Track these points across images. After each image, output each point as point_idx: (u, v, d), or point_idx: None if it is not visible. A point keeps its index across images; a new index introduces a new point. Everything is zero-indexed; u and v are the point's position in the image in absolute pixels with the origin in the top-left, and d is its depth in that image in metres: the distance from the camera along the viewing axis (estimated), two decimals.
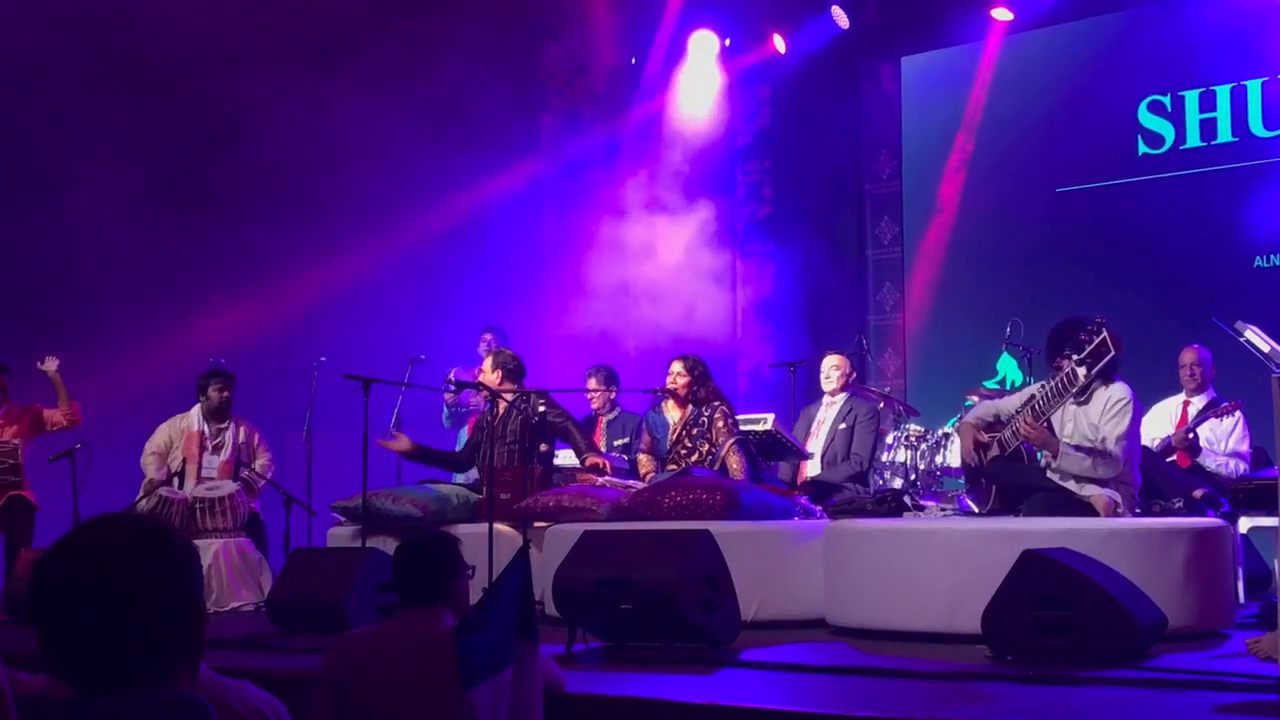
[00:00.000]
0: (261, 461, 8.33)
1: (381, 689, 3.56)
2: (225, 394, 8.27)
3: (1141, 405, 6.61)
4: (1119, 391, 6.31)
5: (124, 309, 9.89)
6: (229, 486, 8.07)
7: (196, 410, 8.32)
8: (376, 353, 9.32)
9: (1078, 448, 6.28)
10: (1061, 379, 6.31)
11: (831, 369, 8.51)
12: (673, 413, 7.84)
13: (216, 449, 8.22)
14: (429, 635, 3.62)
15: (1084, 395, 6.33)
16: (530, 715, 3.21)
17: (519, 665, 3.18)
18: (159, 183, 9.96)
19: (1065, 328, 6.54)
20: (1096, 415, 6.31)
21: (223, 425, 8.29)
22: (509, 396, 7.67)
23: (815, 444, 8.40)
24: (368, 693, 3.56)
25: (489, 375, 7.87)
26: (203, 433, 8.24)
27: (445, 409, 9.75)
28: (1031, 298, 9.94)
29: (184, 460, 8.21)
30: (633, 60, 11.51)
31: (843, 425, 8.33)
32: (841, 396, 8.48)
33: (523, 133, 11.68)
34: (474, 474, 8.22)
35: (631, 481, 7.53)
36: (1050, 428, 6.38)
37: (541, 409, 7.67)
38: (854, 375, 8.61)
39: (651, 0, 11.13)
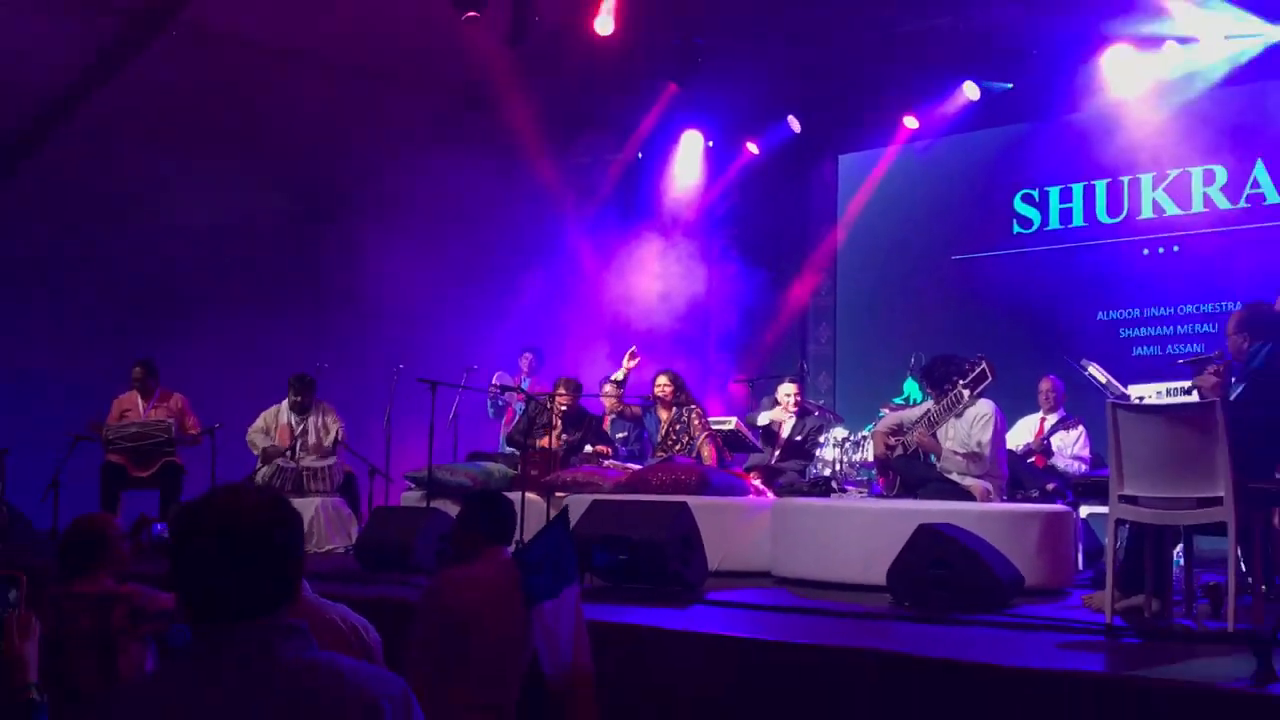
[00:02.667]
0: (332, 435, 8.15)
1: (482, 616, 3.41)
2: (299, 398, 8.12)
3: (1006, 418, 6.63)
4: (983, 408, 6.34)
5: (254, 318, 9.80)
6: (330, 459, 8.07)
7: (286, 405, 8.21)
8: (439, 360, 9.32)
9: (955, 452, 6.32)
10: (951, 398, 6.36)
11: (786, 396, 8.40)
12: (662, 413, 7.89)
13: (303, 436, 8.13)
14: (513, 568, 3.48)
15: (960, 411, 6.38)
16: (580, 638, 3.21)
17: (569, 600, 3.20)
18: (286, 214, 9.88)
19: (937, 364, 6.55)
20: (967, 426, 6.34)
21: (304, 417, 8.18)
22: (545, 401, 7.77)
23: (777, 444, 8.39)
24: (477, 618, 3.40)
25: (564, 394, 7.86)
26: (290, 426, 8.15)
27: (489, 403, 9.76)
28: (931, 336, 9.96)
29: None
30: (639, 155, 11.51)
31: (799, 437, 8.35)
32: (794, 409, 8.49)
33: (556, 207, 11.64)
34: (512, 455, 8.25)
35: (630, 464, 7.59)
36: (935, 436, 6.43)
37: (564, 408, 7.71)
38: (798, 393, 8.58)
39: (652, 107, 11.15)
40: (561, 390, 7.90)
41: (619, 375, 7.88)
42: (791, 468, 8.16)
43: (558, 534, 3.28)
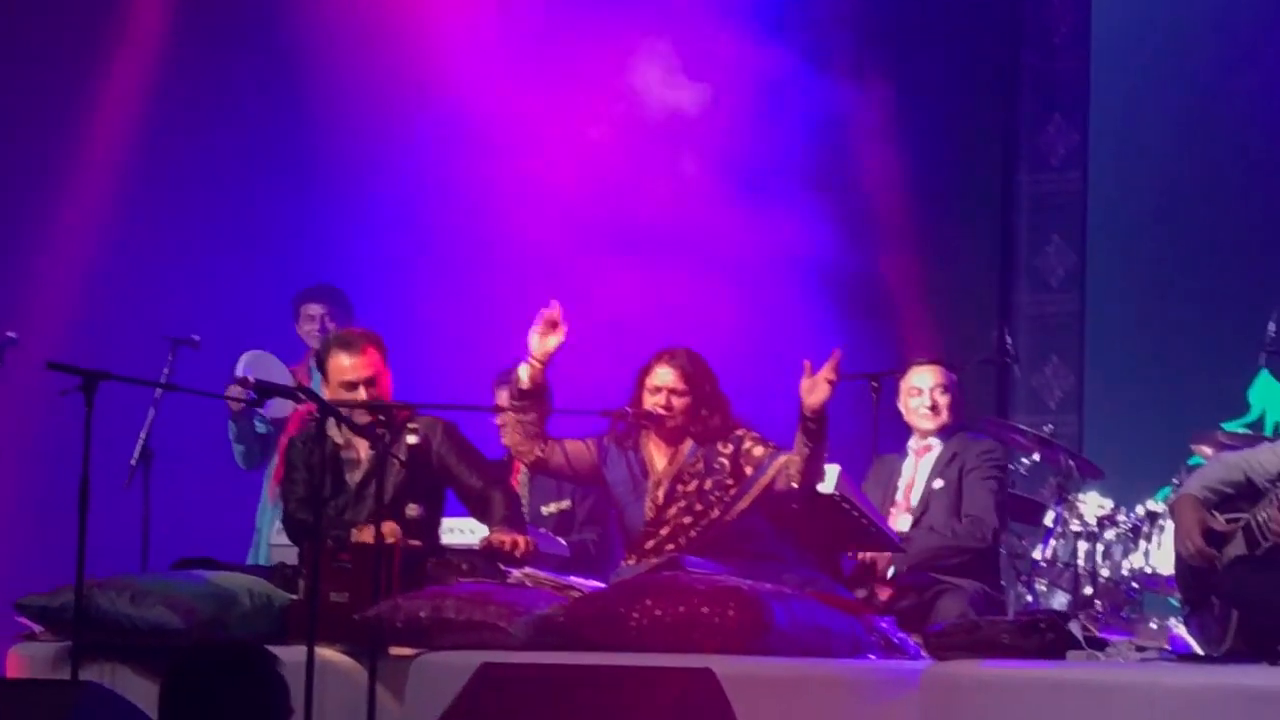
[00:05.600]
0: None
1: None
2: None
3: None
4: None
5: None
6: None
7: None
8: (112, 331, 9.46)
9: None
10: None
11: (928, 391, 8.59)
12: (656, 453, 7.98)
13: None
14: None
15: None
16: None
17: None
18: None
19: None
20: None
21: None
22: (364, 415, 7.74)
23: (899, 522, 8.54)
24: None
25: (352, 370, 7.93)
26: None
27: (233, 424, 9.78)
28: None
29: None
30: None
31: (939, 483, 8.46)
32: (938, 440, 8.60)
33: None
34: (283, 549, 8.29)
35: (573, 579, 7.60)
36: None
37: (412, 439, 7.72)
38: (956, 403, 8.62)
39: None
40: (349, 367, 7.92)
41: (530, 367, 7.89)
42: (957, 584, 8.22)
43: None
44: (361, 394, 7.88)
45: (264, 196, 11.39)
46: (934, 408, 8.57)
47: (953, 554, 8.30)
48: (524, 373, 7.92)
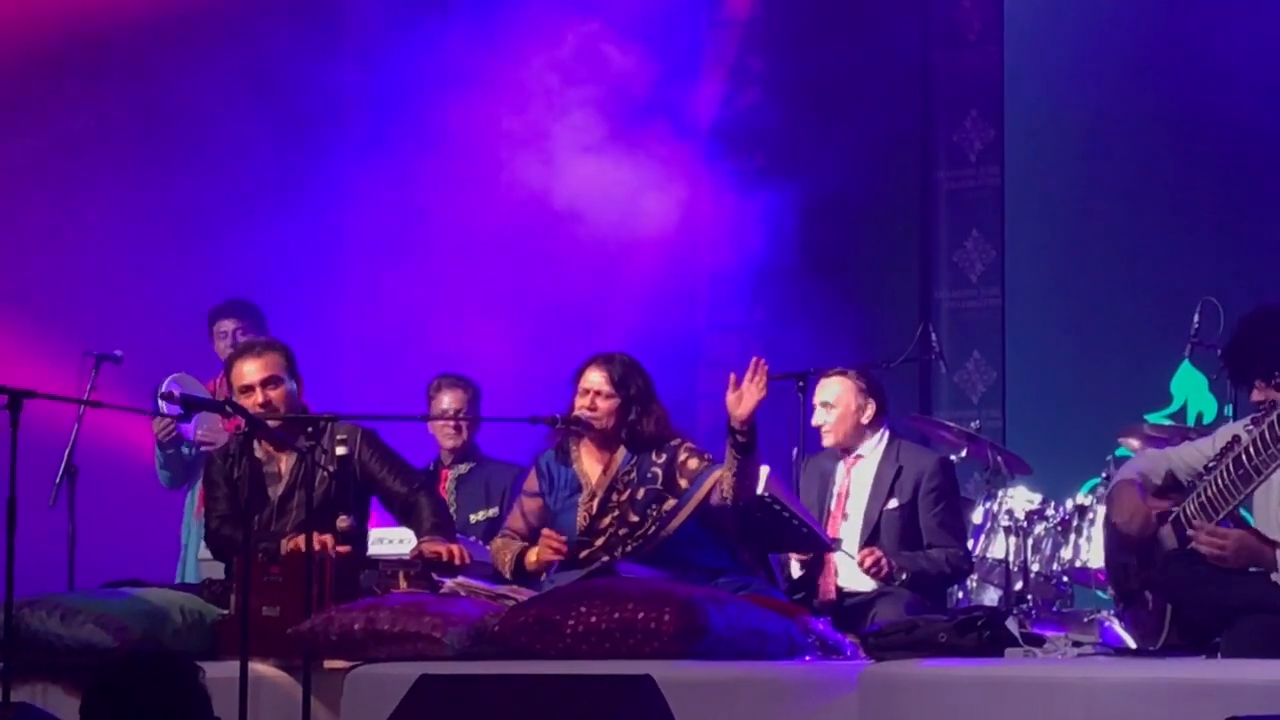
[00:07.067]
0: None
1: None
2: None
3: None
4: None
5: None
6: None
7: None
8: (32, 347, 9.37)
9: None
10: None
11: (820, 408, 8.53)
12: (590, 462, 7.93)
13: None
14: None
15: None
16: None
17: None
18: None
19: (1260, 330, 6.78)
20: None
21: None
22: (277, 424, 7.69)
23: (844, 532, 8.45)
24: None
25: (249, 374, 7.86)
26: None
27: (159, 451, 9.72)
28: (1238, 266, 10.18)
29: None
30: None
31: (893, 503, 8.37)
32: (875, 444, 8.52)
33: None
34: (211, 563, 8.23)
35: (506, 588, 7.56)
36: (1252, 504, 6.58)
37: (342, 450, 7.68)
38: (873, 407, 8.55)
39: None
40: (247, 372, 7.89)
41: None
42: (893, 589, 8.20)
43: None
44: (258, 396, 7.81)
45: (185, 209, 11.32)
46: (826, 424, 8.51)
47: (943, 582, 8.36)
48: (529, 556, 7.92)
